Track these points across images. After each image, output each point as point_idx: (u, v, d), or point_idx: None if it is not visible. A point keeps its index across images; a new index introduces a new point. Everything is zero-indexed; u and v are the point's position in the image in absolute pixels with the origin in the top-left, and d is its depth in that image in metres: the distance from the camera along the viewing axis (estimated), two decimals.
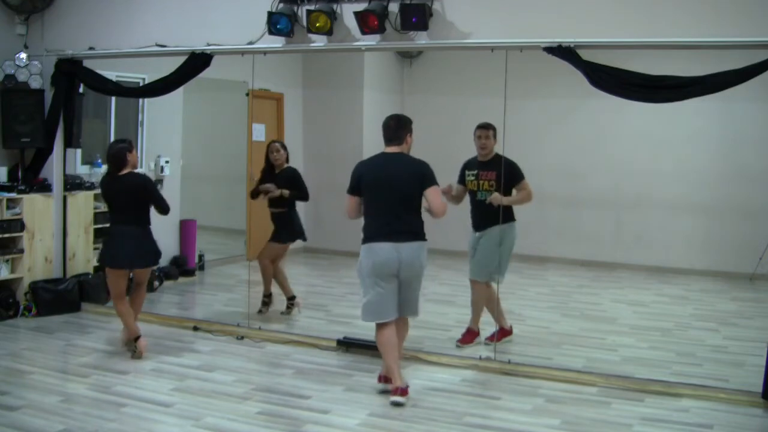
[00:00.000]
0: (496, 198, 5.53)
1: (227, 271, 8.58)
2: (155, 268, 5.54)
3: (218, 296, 7.78)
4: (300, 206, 6.72)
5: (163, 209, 5.46)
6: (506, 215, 5.65)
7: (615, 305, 7.45)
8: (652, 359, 5.52)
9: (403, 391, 4.52)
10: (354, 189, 4.65)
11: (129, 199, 5.37)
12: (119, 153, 5.38)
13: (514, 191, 5.65)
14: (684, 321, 6.79)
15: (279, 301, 6.77)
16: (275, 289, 6.73)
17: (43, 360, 5.26)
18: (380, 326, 4.59)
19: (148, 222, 5.47)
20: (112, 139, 7.69)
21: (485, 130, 5.64)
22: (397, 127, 4.63)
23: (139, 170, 7.55)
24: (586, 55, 4.90)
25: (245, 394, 4.66)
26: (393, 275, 4.51)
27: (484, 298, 5.77)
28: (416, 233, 4.54)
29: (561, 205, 9.55)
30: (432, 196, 4.52)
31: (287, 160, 6.60)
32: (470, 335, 5.83)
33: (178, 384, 4.82)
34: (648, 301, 7.64)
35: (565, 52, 4.90)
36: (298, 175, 6.57)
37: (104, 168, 5.47)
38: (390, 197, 4.53)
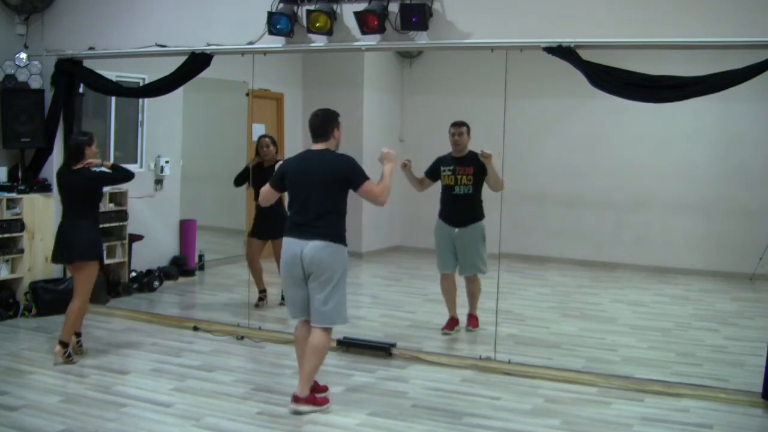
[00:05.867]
0: (489, 155, 5.61)
1: (227, 271, 8.56)
2: (100, 271, 5.32)
3: (218, 296, 7.77)
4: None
5: (126, 177, 5.53)
6: (480, 213, 5.90)
7: (615, 305, 7.45)
8: (652, 359, 5.52)
9: (297, 399, 4.35)
10: (274, 182, 4.56)
11: (77, 194, 5.29)
12: (78, 146, 5.31)
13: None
14: (684, 321, 6.79)
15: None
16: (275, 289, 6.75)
17: (43, 360, 5.25)
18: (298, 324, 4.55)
19: (93, 217, 5.36)
20: (113, 139, 7.71)
21: (459, 127, 5.86)
22: (323, 122, 4.44)
23: (136, 169, 7.62)
24: (586, 55, 4.90)
25: (245, 394, 4.66)
26: (299, 273, 4.35)
27: (479, 287, 6.06)
28: (325, 234, 4.30)
29: (561, 205, 9.56)
30: (367, 191, 4.35)
31: (276, 154, 6.66)
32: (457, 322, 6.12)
33: (178, 384, 4.82)
34: (648, 301, 7.64)
35: (565, 52, 4.90)
36: None
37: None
38: (306, 195, 4.36)
